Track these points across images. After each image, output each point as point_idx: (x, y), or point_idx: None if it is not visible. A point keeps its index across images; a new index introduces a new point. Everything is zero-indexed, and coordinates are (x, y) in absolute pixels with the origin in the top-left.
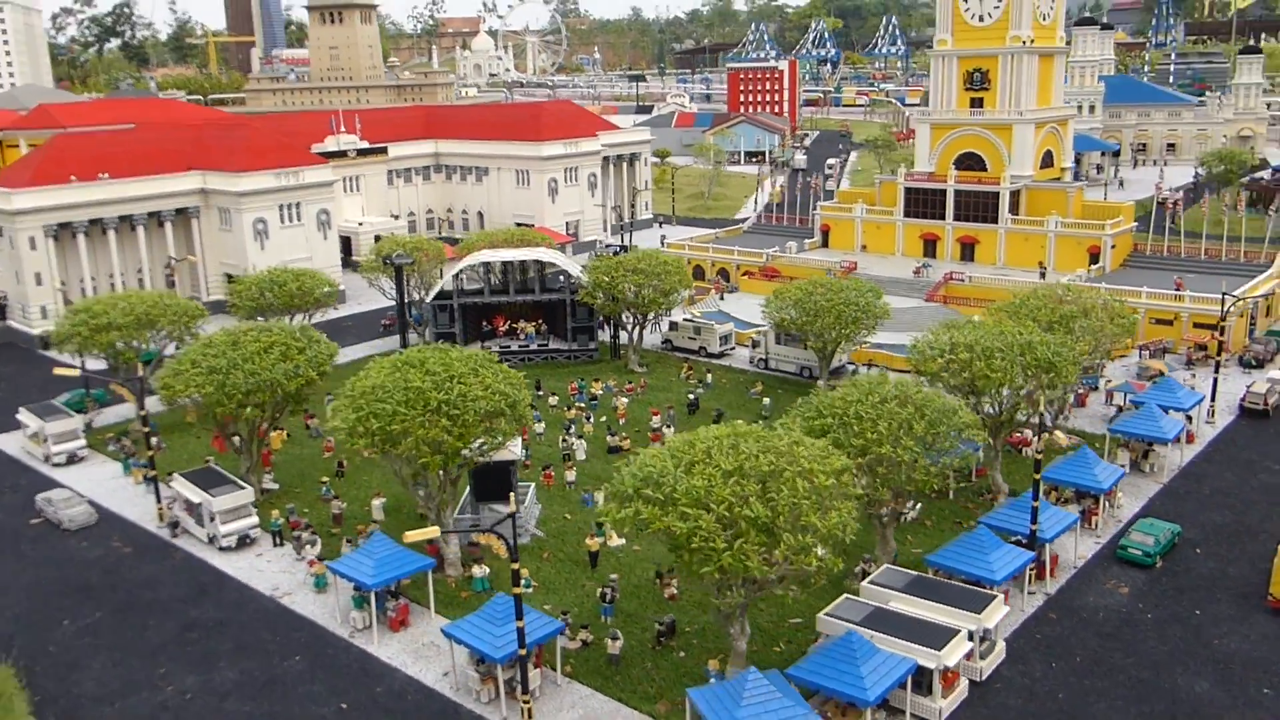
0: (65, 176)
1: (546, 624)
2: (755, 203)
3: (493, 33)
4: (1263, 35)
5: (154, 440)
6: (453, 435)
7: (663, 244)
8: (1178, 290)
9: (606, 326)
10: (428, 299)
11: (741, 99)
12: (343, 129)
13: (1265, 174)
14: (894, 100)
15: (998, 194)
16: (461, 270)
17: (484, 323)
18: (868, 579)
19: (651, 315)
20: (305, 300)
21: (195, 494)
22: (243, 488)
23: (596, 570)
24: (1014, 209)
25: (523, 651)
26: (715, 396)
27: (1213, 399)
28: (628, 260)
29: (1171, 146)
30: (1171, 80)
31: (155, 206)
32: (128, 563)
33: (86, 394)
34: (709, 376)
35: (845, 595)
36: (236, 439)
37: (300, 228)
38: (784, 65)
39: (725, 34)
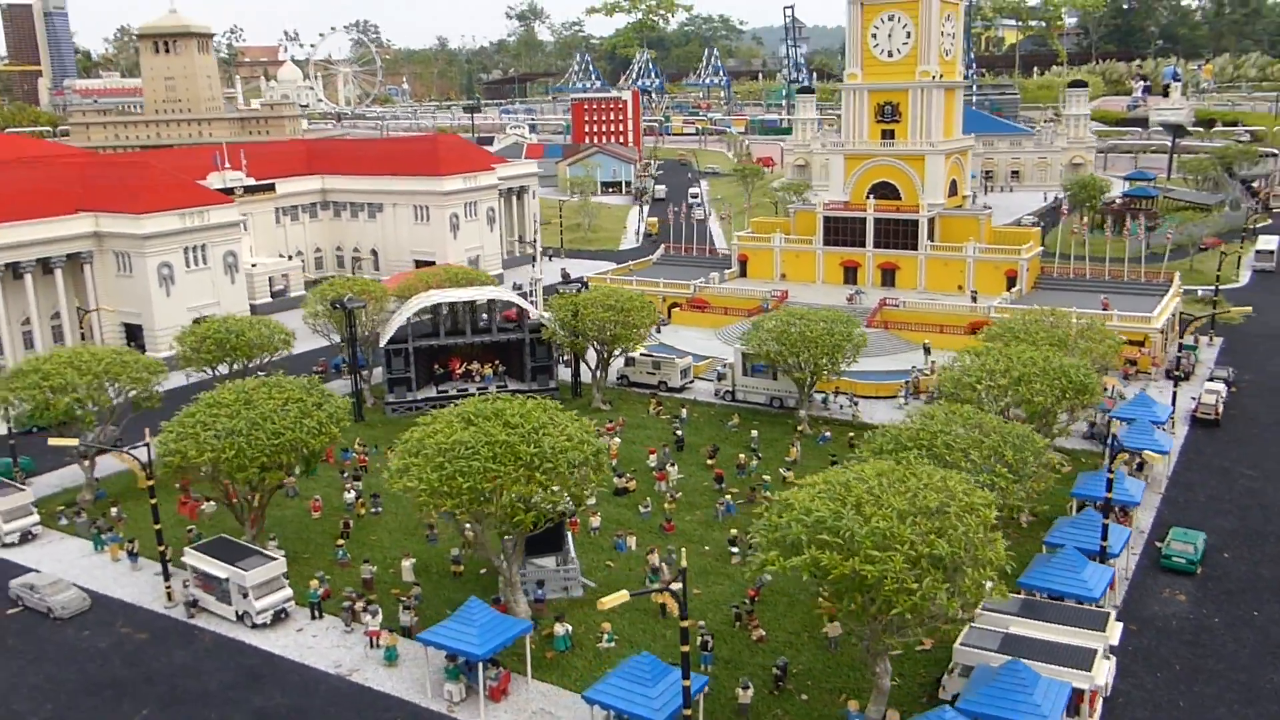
0: None
1: (694, 680)
2: (637, 234)
3: (301, 62)
4: (1034, 68)
5: (114, 510)
6: (546, 490)
7: (565, 278)
8: (1105, 310)
9: (562, 365)
10: (380, 343)
11: (586, 129)
12: (227, 165)
13: (1115, 197)
14: (724, 129)
15: (917, 221)
16: (415, 312)
17: (435, 366)
18: (979, 605)
19: (617, 351)
20: (263, 349)
21: (219, 568)
22: (272, 558)
23: (666, 618)
24: (929, 235)
25: (688, 712)
26: (693, 431)
27: (1173, 411)
28: (596, 296)
29: (1015, 174)
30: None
31: (43, 252)
32: (150, 650)
33: (14, 462)
34: (684, 411)
35: (970, 624)
36: (226, 505)
37: (207, 271)
38: (627, 95)
39: (533, 64)
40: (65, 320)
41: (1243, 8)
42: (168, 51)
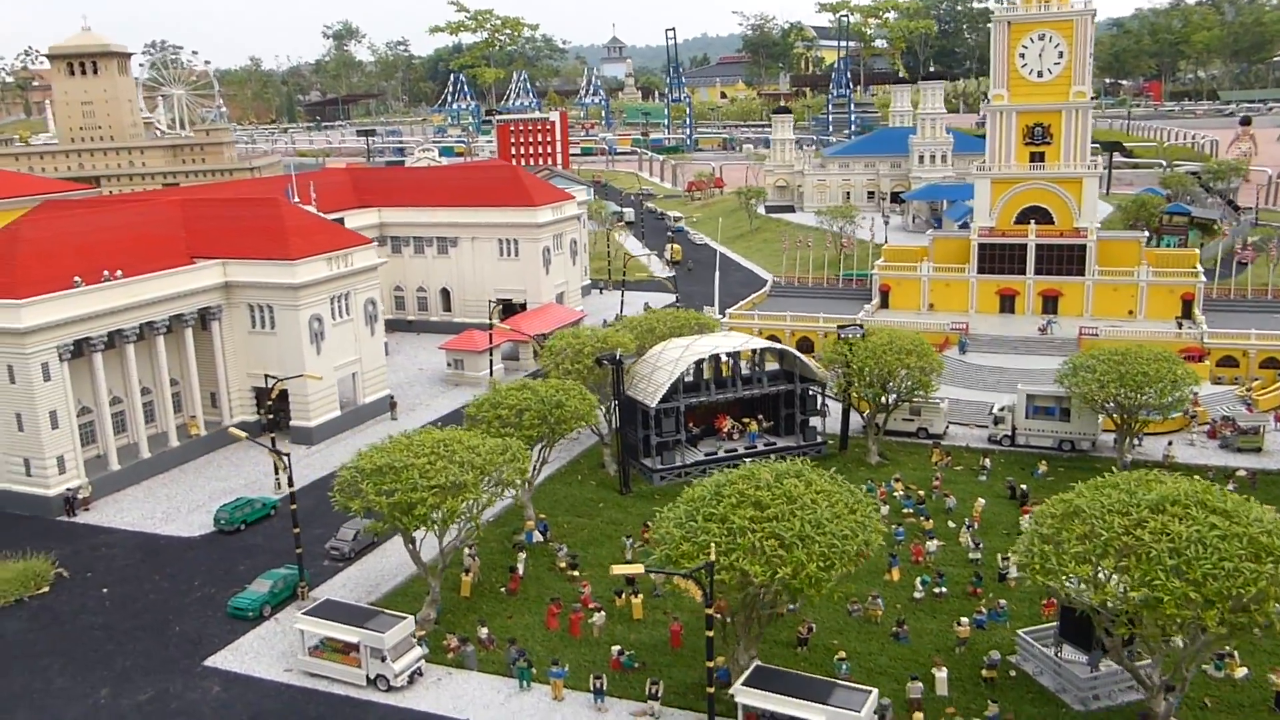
0: (68, 279)
1: None
2: (666, 262)
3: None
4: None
5: (483, 631)
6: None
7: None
8: None
9: (824, 416)
10: (651, 401)
11: (514, 152)
12: (296, 198)
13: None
14: (605, 146)
15: (1083, 246)
16: (686, 367)
17: (691, 424)
18: None
19: (901, 402)
20: (583, 420)
21: (348, 632)
22: (400, 617)
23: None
24: None
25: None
26: (1002, 482)
27: None
28: (882, 342)
29: None
30: (850, 127)
31: (177, 309)
32: None
33: (301, 573)
34: (986, 461)
35: None
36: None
37: (350, 323)
38: (555, 117)
39: (353, 84)
40: (159, 393)
41: None
42: (84, 73)
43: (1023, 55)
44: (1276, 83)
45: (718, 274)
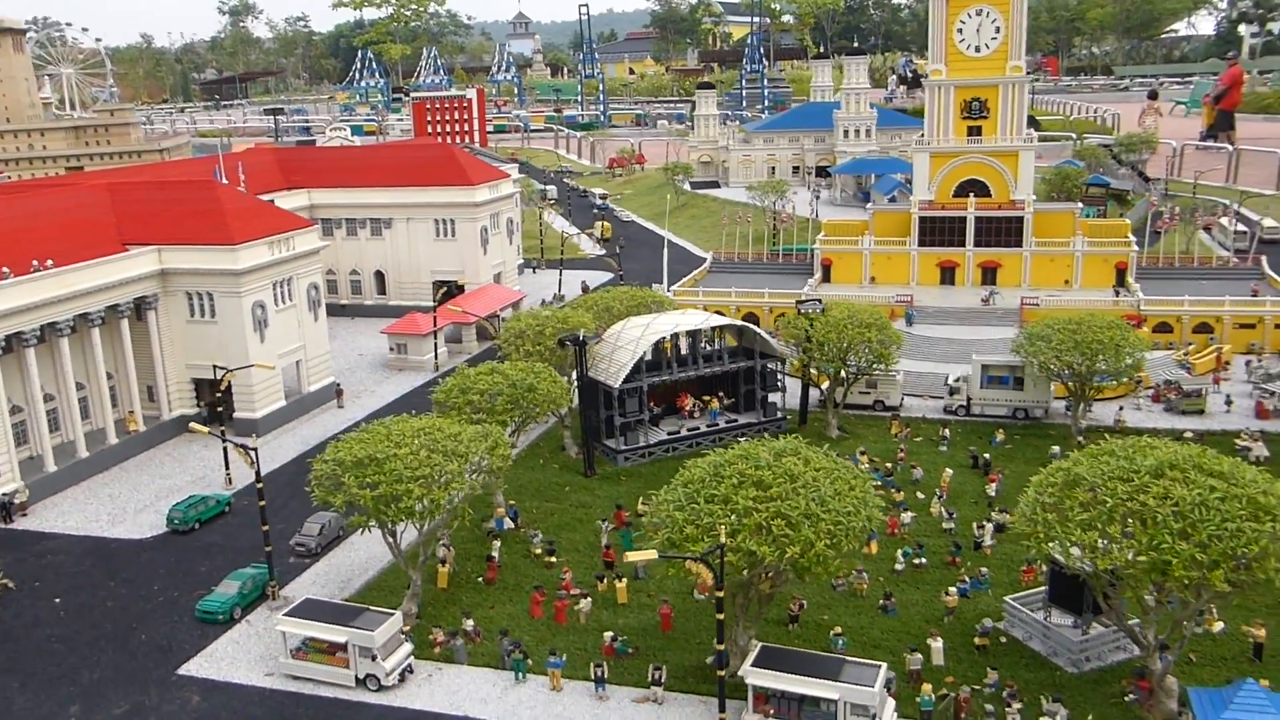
0: None
1: None
2: (595, 241)
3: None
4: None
5: (468, 622)
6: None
7: (585, 290)
8: (1254, 295)
9: (783, 392)
10: (615, 382)
11: (431, 130)
12: (224, 181)
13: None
14: (520, 123)
15: (1020, 218)
16: (649, 347)
17: (652, 403)
18: None
19: (861, 375)
20: (556, 404)
21: (335, 632)
22: (388, 613)
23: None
24: None
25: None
26: (963, 451)
27: None
28: (844, 316)
29: None
30: (764, 102)
31: (112, 299)
32: None
33: (270, 572)
34: (945, 431)
35: None
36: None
37: (293, 310)
38: (472, 94)
39: (251, 62)
40: (94, 388)
41: None
42: None
43: (960, 30)
44: (1165, 59)
45: (666, 251)
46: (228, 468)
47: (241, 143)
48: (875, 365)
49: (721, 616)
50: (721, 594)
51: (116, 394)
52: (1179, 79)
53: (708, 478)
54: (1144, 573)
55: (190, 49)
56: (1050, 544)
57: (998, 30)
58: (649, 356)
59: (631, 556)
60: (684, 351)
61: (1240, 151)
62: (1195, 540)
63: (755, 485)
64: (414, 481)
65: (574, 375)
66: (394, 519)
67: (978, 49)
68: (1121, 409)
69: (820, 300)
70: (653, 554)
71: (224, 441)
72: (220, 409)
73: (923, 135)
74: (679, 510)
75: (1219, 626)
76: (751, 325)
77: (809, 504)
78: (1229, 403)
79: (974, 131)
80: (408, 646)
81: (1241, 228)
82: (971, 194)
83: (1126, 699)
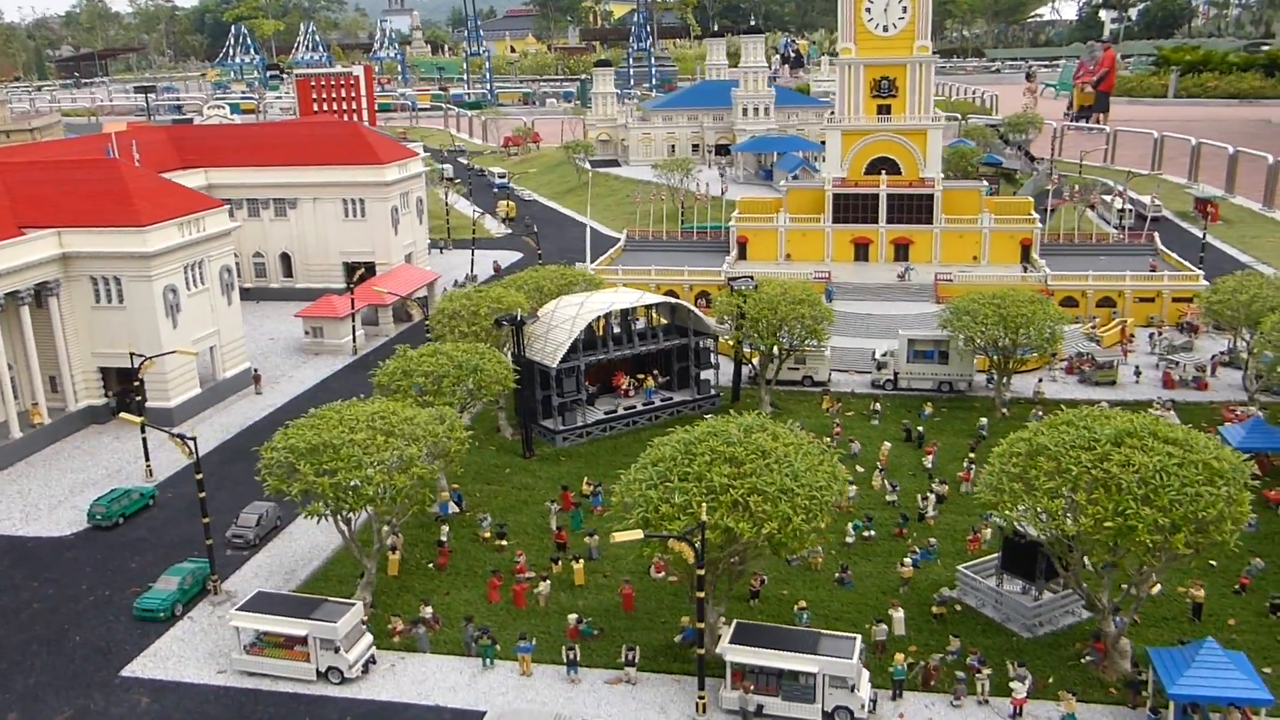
0: None
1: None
2: (500, 220)
3: None
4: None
5: (428, 610)
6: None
7: (496, 270)
8: (1153, 271)
9: (716, 369)
10: (553, 362)
11: (316, 108)
12: (116, 154)
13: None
14: (406, 102)
15: (930, 195)
16: (585, 326)
17: (587, 382)
18: None
19: (794, 351)
20: (502, 385)
21: (294, 625)
22: (348, 604)
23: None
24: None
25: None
26: (895, 425)
27: None
28: (777, 293)
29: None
30: (651, 80)
31: (11, 285)
32: None
33: (211, 566)
34: (876, 405)
35: None
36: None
37: (205, 293)
38: (359, 71)
39: (110, 38)
40: None
41: None
42: None
43: (869, 10)
44: (1031, 42)
45: (589, 230)
46: (148, 459)
47: (111, 122)
48: (808, 341)
49: (702, 595)
50: (702, 572)
51: (18, 386)
52: (1046, 62)
53: (679, 455)
54: (1109, 537)
55: (43, 24)
56: (1016, 512)
57: (905, 10)
58: (584, 336)
59: (619, 537)
60: (617, 330)
61: (1117, 133)
62: (1157, 505)
63: (728, 462)
64: (373, 467)
65: (509, 356)
66: (354, 507)
67: (885, 28)
68: (1041, 380)
69: (753, 278)
70: (638, 533)
71: (163, 432)
72: (129, 399)
73: (833, 113)
74: (651, 489)
75: (1157, 589)
76: (686, 303)
77: (783, 479)
78: (1138, 374)
79: (884, 110)
80: (369, 637)
81: (1127, 206)
82: (883, 171)
83: (1083, 660)
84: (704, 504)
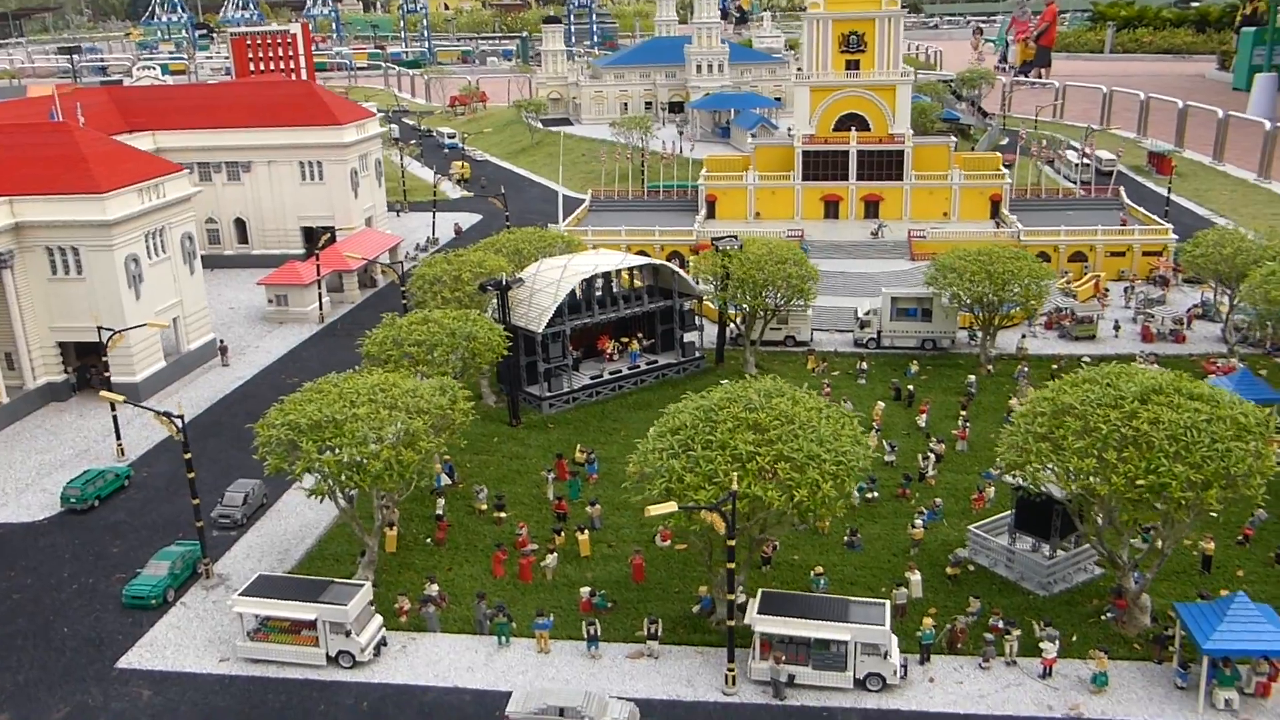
0: None
1: None
2: (455, 182)
3: None
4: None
5: (433, 587)
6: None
7: (458, 232)
8: (1123, 225)
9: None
10: (538, 327)
11: (252, 68)
12: (60, 117)
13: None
14: (342, 61)
15: (901, 152)
16: (570, 289)
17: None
18: None
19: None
20: (495, 353)
21: (302, 609)
22: (356, 585)
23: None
24: None
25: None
26: (882, 384)
27: None
28: (763, 253)
29: (778, 100)
30: (593, 38)
31: None
32: None
33: (202, 549)
34: (863, 364)
35: None
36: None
37: (167, 262)
38: (296, 29)
39: None
40: None
41: None
42: None
43: None
44: None
45: (561, 194)
46: (119, 437)
47: (35, 84)
48: (794, 300)
49: (733, 565)
50: (733, 543)
51: None
52: (984, 18)
53: (699, 423)
54: (1142, 495)
55: None
56: (1045, 472)
57: None
58: (569, 299)
59: (653, 510)
60: (599, 292)
61: (1066, 88)
62: (1189, 461)
63: (751, 428)
64: (380, 443)
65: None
66: (363, 485)
67: None
68: (1024, 336)
69: (736, 236)
70: (672, 506)
71: (149, 410)
72: (90, 374)
73: (800, 70)
74: (674, 458)
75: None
76: (670, 265)
77: (810, 445)
78: (1117, 328)
79: (852, 65)
80: (379, 619)
81: (1085, 161)
82: (852, 128)
83: (1105, 616)
84: (734, 473)
